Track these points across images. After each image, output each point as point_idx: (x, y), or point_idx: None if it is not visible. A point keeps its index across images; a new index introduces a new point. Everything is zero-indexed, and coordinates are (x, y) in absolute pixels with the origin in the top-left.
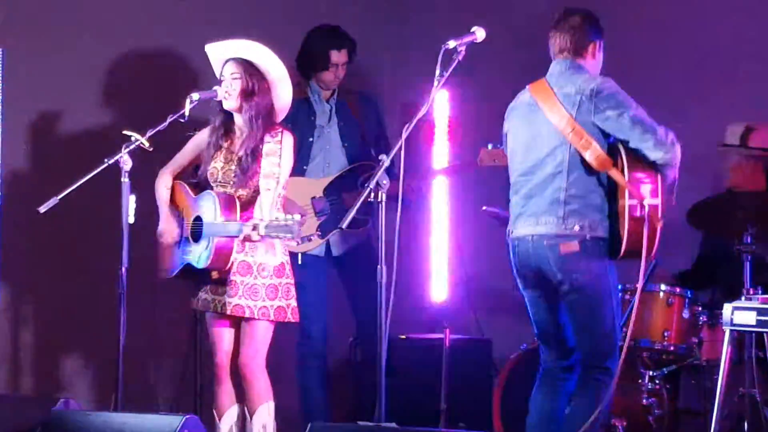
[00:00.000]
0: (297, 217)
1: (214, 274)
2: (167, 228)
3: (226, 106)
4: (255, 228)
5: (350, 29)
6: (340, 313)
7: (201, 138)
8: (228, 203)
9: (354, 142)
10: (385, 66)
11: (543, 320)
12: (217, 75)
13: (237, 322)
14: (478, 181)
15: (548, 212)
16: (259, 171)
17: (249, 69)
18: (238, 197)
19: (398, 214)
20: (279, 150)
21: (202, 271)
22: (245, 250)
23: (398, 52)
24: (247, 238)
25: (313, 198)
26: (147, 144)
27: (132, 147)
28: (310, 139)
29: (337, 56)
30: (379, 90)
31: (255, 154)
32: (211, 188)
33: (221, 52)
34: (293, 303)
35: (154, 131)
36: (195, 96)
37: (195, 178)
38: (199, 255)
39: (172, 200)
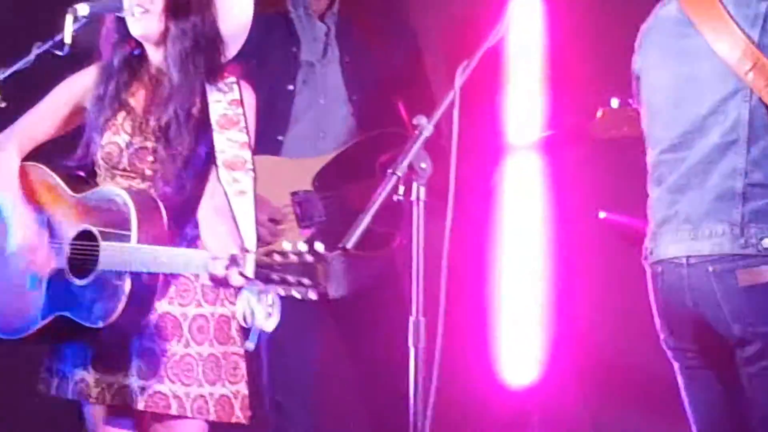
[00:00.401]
0: (320, 246)
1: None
2: (25, 237)
3: (137, 30)
4: (234, 263)
5: None
6: (339, 400)
7: (79, 86)
8: (149, 209)
9: (368, 93)
10: None
11: (708, 410)
12: None
13: (146, 423)
14: (592, 166)
15: (715, 215)
16: (199, 150)
17: None
18: (162, 199)
19: (447, 223)
20: (241, 113)
21: (88, 331)
22: (170, 295)
23: None
24: (218, 281)
25: (295, 194)
26: None
27: None
28: (290, 88)
29: None
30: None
31: (190, 119)
32: (108, 179)
33: None
34: (244, 389)
35: (7, 73)
36: (82, 9)
37: (70, 161)
38: (89, 303)
39: (26, 194)
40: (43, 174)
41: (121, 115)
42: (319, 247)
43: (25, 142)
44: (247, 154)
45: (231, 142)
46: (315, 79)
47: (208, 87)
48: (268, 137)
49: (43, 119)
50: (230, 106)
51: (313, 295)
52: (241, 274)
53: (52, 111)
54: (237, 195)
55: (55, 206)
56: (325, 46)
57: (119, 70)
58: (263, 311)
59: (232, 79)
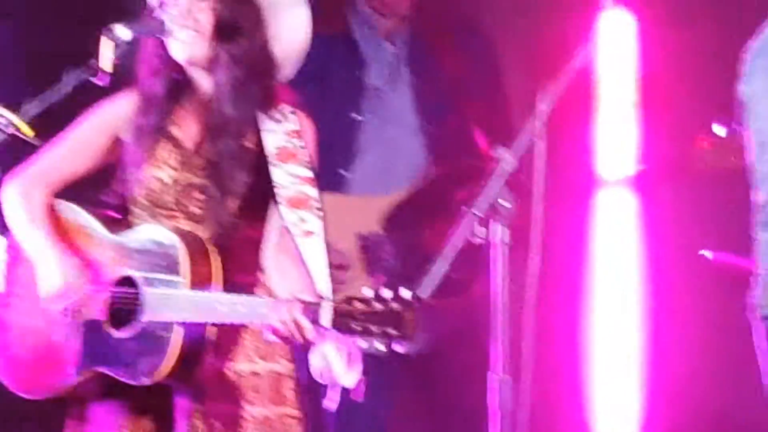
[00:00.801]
0: (406, 292)
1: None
2: (57, 282)
3: (182, 54)
4: (308, 311)
5: None
6: None
7: (113, 115)
8: (199, 253)
9: (442, 122)
10: None
11: None
12: None
13: None
14: (691, 202)
15: None
16: (254, 186)
17: None
18: (214, 241)
19: (532, 268)
20: (302, 145)
21: (128, 389)
22: (221, 350)
23: None
24: (284, 334)
25: (362, 236)
26: (27, 129)
27: None
28: (355, 116)
29: None
30: (496, 15)
31: (243, 152)
32: (149, 219)
33: None
34: None
35: (39, 108)
36: (122, 32)
37: (106, 197)
38: (132, 357)
39: (56, 237)
40: (75, 213)
41: (165, 147)
42: (405, 293)
43: (54, 181)
44: (313, 191)
45: (292, 177)
46: (383, 106)
47: (262, 116)
48: (330, 172)
49: (74, 154)
50: (289, 137)
51: (399, 348)
52: (316, 324)
53: (84, 144)
54: (305, 236)
55: (90, 249)
56: (394, 69)
57: (162, 97)
58: (342, 365)
59: (289, 107)
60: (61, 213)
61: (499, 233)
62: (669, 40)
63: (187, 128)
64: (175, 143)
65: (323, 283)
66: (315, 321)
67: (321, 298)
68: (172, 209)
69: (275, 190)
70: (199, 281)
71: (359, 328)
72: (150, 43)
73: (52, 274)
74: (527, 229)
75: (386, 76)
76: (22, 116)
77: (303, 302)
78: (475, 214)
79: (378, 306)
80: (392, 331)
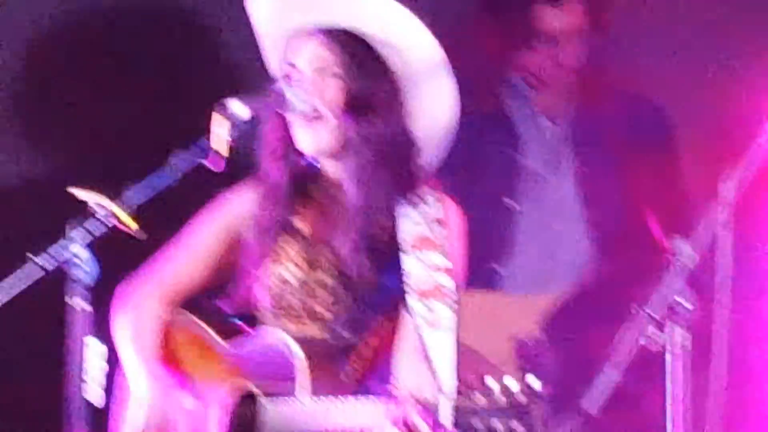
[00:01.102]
0: (535, 382)
1: None
2: (165, 411)
3: (308, 144)
4: (429, 410)
5: None
6: None
7: (234, 213)
8: (324, 359)
9: (612, 212)
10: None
11: None
12: (274, 64)
13: None
14: None
15: None
16: (387, 282)
17: (359, 54)
18: (341, 346)
19: (715, 377)
20: (446, 235)
21: None
22: None
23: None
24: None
25: (518, 340)
26: (130, 221)
27: (94, 227)
28: (512, 205)
29: (554, 15)
30: (670, 89)
31: (376, 246)
32: (271, 322)
33: (288, 15)
34: None
35: (144, 193)
36: (239, 108)
37: (222, 302)
38: None
39: (167, 357)
40: (187, 323)
41: (289, 243)
42: (534, 383)
43: (172, 296)
44: (449, 282)
45: (427, 265)
46: (544, 194)
47: (399, 204)
48: (482, 267)
49: (192, 263)
50: (431, 226)
51: None
52: (435, 424)
53: (203, 251)
54: (431, 327)
55: (203, 363)
56: (555, 151)
57: (285, 187)
58: None
59: (433, 192)
60: (175, 327)
61: (678, 337)
62: None
63: (314, 220)
64: (301, 238)
65: (447, 380)
66: (435, 422)
67: (440, 390)
68: (297, 311)
69: (405, 279)
70: (323, 391)
71: (481, 426)
72: (272, 124)
73: (158, 404)
74: (710, 333)
75: (546, 158)
76: (124, 206)
77: (419, 402)
78: (649, 315)
79: (502, 399)
80: (519, 427)
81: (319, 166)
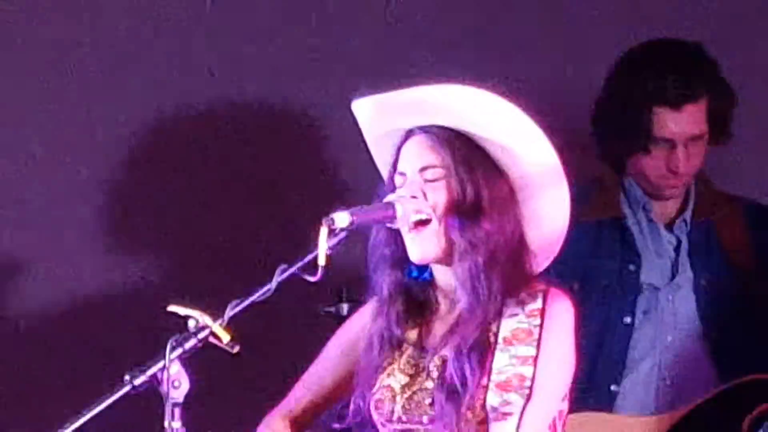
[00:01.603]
0: None
1: None
2: None
3: (415, 252)
4: None
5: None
6: None
7: (356, 330)
8: None
9: (732, 327)
10: None
11: None
12: (383, 168)
13: None
14: None
15: None
16: (485, 381)
17: (467, 153)
18: None
19: None
20: (539, 324)
21: None
22: None
23: None
24: None
25: None
26: (227, 338)
27: (191, 345)
28: (627, 321)
29: (674, 120)
30: None
31: (476, 348)
32: None
33: (396, 115)
34: None
35: (240, 307)
36: (341, 219)
37: (336, 422)
38: None
39: None
40: None
41: (399, 353)
42: None
43: (296, 412)
44: (528, 371)
45: (514, 358)
46: (660, 308)
47: (509, 302)
48: (596, 387)
49: (319, 379)
50: (527, 318)
51: None
52: None
53: (329, 368)
54: (499, 419)
55: None
56: (675, 265)
57: (394, 298)
58: None
59: (541, 287)
60: None
61: None
62: None
63: (427, 329)
64: (412, 348)
65: None
66: None
67: None
68: (402, 421)
69: (491, 376)
70: None
71: None
72: (381, 234)
73: None
74: None
75: (665, 273)
76: (225, 320)
77: None
78: None
79: None
80: None
81: (431, 274)
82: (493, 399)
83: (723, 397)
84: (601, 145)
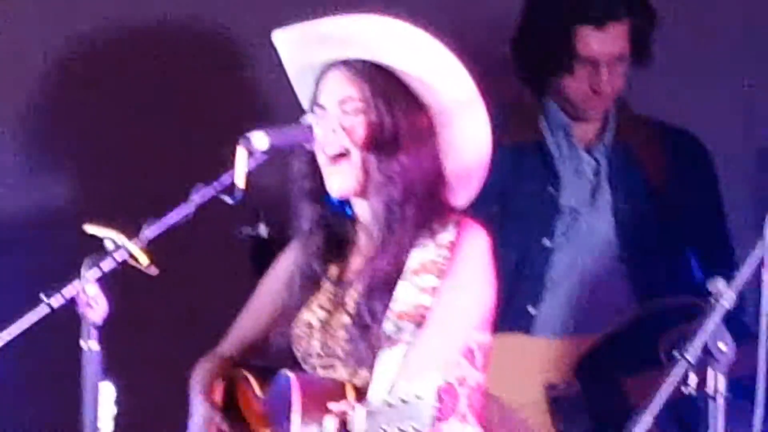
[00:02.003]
0: (426, 389)
1: None
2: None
3: (332, 184)
4: (343, 422)
5: None
6: None
7: (285, 266)
8: (319, 395)
9: (650, 251)
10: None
11: None
12: (304, 100)
13: None
14: None
15: None
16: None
17: (386, 88)
18: (354, 386)
19: (756, 425)
20: (447, 256)
21: None
22: None
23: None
24: None
25: (550, 387)
26: (145, 259)
27: (108, 265)
28: (546, 243)
29: (598, 39)
30: (710, 116)
31: (395, 284)
32: (306, 368)
33: (311, 49)
34: None
35: (157, 231)
36: (259, 140)
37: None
38: None
39: (231, 415)
40: (239, 378)
41: (319, 289)
42: (425, 399)
43: (232, 352)
44: (428, 300)
45: (417, 289)
46: (579, 231)
47: (420, 234)
48: (514, 308)
49: (255, 317)
50: (437, 249)
51: None
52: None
53: (261, 307)
54: (389, 345)
55: (248, 416)
56: (594, 188)
57: (314, 232)
58: None
59: (457, 219)
60: (236, 381)
61: (716, 383)
62: None
63: (346, 264)
64: (331, 283)
65: (377, 390)
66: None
67: (365, 401)
68: (320, 355)
69: (390, 304)
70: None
71: (391, 429)
72: (302, 166)
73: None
74: (752, 378)
75: (585, 196)
76: (141, 242)
77: (335, 413)
78: (687, 360)
79: (399, 403)
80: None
81: (352, 209)
82: (388, 327)
83: (640, 320)
84: (522, 68)
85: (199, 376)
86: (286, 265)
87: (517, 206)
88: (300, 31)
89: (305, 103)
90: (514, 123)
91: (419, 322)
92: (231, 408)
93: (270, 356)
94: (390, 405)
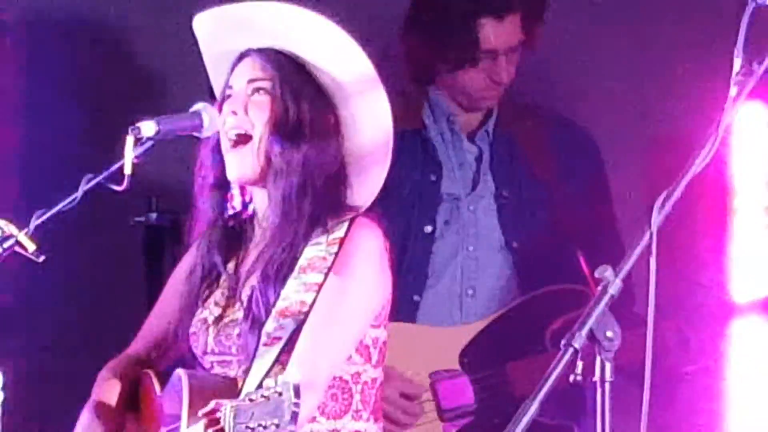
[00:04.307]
0: (286, 386)
1: None
2: None
3: (232, 172)
4: (211, 421)
5: None
6: None
7: (189, 262)
8: (207, 392)
9: (533, 238)
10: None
11: None
12: (215, 85)
13: None
14: None
15: None
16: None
17: (289, 74)
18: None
19: (645, 414)
20: (335, 252)
21: None
22: None
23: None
24: None
25: (435, 374)
26: (32, 247)
27: None
28: (428, 230)
29: (497, 30)
30: (596, 107)
31: (282, 276)
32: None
33: (224, 36)
34: None
35: (45, 216)
36: (147, 128)
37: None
38: None
39: (137, 414)
40: (144, 377)
41: (217, 285)
42: (286, 388)
43: (141, 354)
44: (310, 297)
45: (302, 286)
46: (462, 218)
47: (314, 231)
48: (401, 297)
49: (161, 315)
50: (327, 246)
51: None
52: None
53: (167, 304)
54: (268, 344)
55: (147, 414)
56: (476, 176)
57: (214, 225)
58: None
59: (350, 215)
60: (143, 379)
61: (603, 370)
62: None
63: (244, 258)
64: (228, 277)
65: (249, 387)
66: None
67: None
68: (215, 351)
69: (277, 302)
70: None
71: (254, 425)
72: (204, 158)
73: None
74: (637, 363)
75: (466, 183)
76: (30, 229)
77: (204, 415)
78: (573, 347)
79: (261, 398)
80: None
81: (251, 201)
82: (269, 325)
83: (525, 307)
84: (414, 61)
85: (99, 380)
86: (190, 260)
87: (398, 193)
88: (217, 13)
89: (218, 93)
90: (397, 111)
91: (300, 319)
92: (136, 407)
93: (181, 354)
94: (252, 401)
